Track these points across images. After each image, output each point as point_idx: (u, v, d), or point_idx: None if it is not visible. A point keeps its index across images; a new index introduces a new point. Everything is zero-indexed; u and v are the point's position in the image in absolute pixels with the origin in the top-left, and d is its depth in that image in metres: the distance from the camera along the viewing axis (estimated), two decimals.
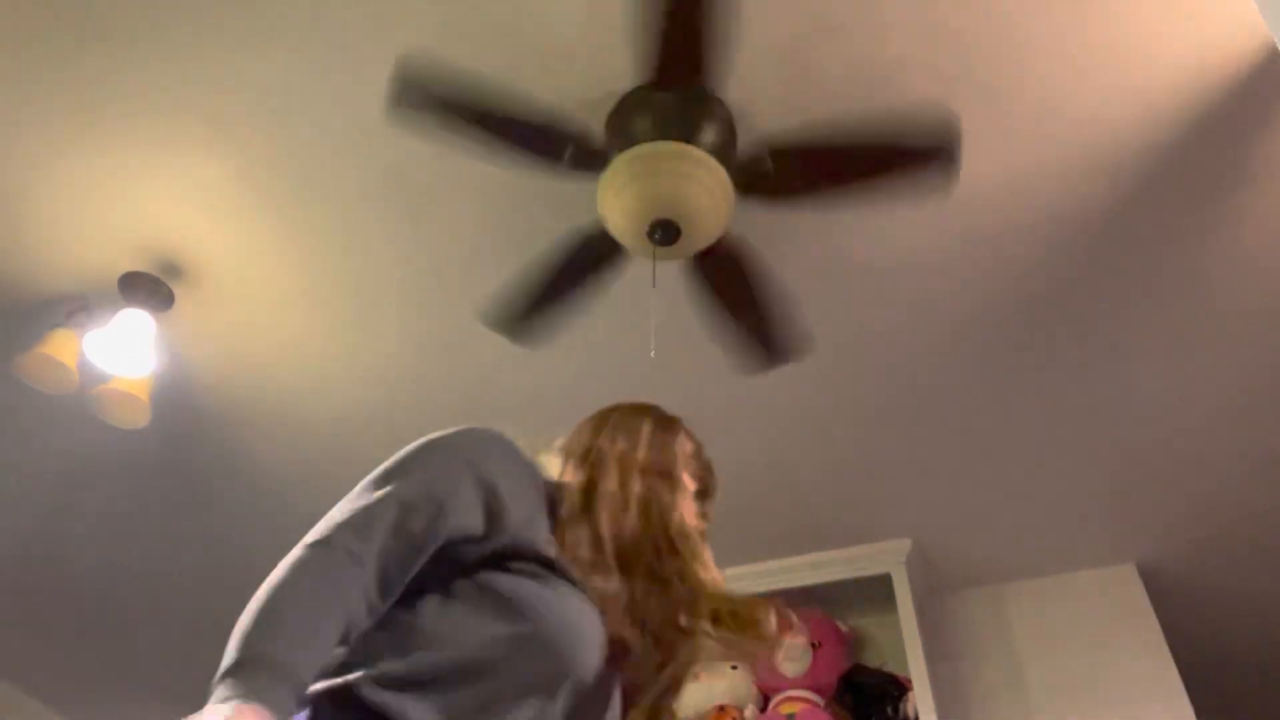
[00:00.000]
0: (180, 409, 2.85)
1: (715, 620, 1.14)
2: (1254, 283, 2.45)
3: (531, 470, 1.16)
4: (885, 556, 3.25)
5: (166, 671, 3.95)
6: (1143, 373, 2.70)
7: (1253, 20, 1.94)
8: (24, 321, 2.55)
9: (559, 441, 1.28)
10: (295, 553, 0.96)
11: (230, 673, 0.84)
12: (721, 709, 3.05)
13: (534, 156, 2.09)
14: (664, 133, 2.03)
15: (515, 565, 1.04)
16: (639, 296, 2.33)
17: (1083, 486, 3.08)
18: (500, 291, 2.39)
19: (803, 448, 2.99)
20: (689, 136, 2.04)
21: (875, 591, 3.24)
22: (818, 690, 3.09)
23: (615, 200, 2.04)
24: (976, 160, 2.20)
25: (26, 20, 1.98)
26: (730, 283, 2.27)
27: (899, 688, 3.08)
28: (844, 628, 3.26)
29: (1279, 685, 3.88)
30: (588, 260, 2.24)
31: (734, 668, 3.19)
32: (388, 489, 1.02)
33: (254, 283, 2.55)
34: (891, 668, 3.17)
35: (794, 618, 1.17)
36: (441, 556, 1.02)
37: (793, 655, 3.12)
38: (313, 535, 0.97)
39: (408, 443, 1.09)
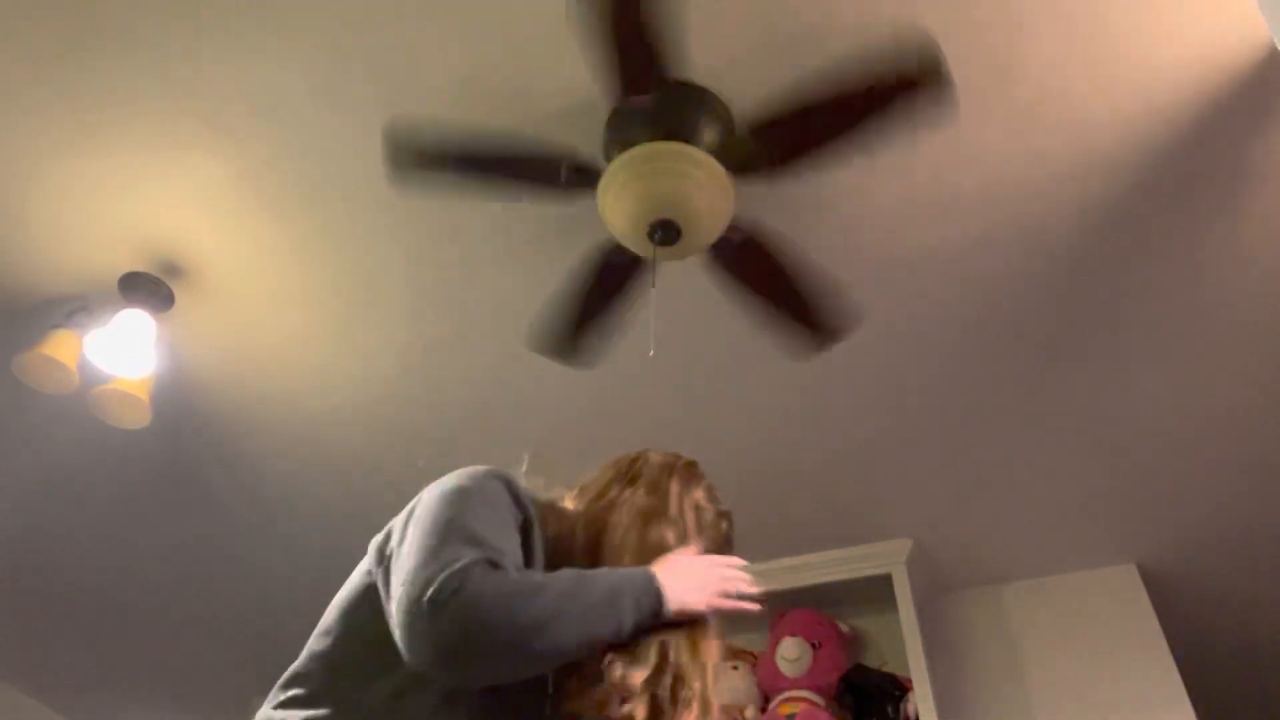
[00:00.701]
0: (180, 409, 2.85)
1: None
2: (1255, 282, 2.45)
3: (514, 511, 1.14)
4: (885, 556, 3.25)
5: (166, 671, 3.96)
6: (1143, 372, 2.70)
7: (1253, 20, 1.94)
8: (24, 322, 2.55)
9: (581, 479, 1.29)
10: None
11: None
12: (721, 709, 3.05)
13: (533, 186, 2.11)
14: (657, 134, 2.03)
15: None
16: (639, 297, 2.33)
17: (1083, 487, 3.07)
18: (540, 316, 2.41)
19: (803, 448, 2.99)
20: (682, 134, 2.04)
21: (875, 591, 3.24)
22: (818, 690, 3.08)
23: (615, 203, 2.04)
24: (975, 163, 2.21)
25: (27, 21, 1.99)
26: (758, 269, 2.23)
27: (899, 688, 3.07)
28: (844, 628, 3.26)
29: (1279, 685, 3.89)
30: (617, 271, 2.24)
31: (734, 668, 3.19)
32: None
33: (254, 283, 2.55)
34: (892, 668, 3.17)
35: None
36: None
37: (792, 655, 3.12)
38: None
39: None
